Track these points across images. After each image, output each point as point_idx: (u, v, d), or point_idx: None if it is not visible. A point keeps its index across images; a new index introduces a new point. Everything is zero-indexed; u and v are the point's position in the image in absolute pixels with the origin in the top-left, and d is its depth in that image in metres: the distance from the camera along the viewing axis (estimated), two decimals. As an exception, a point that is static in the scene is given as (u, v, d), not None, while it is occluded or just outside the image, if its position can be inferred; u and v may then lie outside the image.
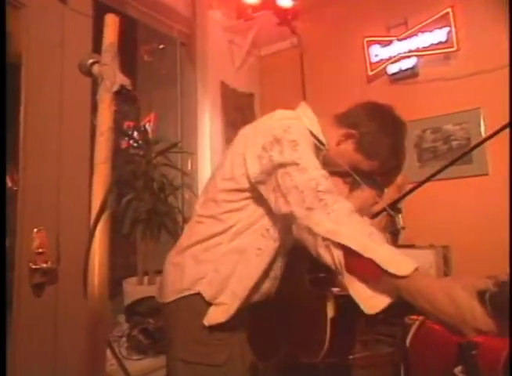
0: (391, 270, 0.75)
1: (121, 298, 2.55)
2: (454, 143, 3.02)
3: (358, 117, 1.23)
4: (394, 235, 1.41)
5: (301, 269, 1.09)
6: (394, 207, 1.46)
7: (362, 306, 0.81)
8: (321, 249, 0.85)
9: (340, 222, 0.84)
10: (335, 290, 1.04)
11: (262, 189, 1.02)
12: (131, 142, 2.78)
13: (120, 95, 0.75)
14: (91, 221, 0.61)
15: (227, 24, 3.56)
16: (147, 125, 3.51)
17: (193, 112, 3.25)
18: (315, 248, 0.86)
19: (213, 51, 3.39)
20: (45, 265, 1.25)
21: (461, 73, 2.98)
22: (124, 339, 2.15)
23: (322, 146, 1.16)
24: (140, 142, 2.76)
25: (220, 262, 1.05)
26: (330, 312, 0.96)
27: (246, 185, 1.05)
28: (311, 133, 1.16)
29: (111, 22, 0.85)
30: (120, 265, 3.09)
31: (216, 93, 3.38)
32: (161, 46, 3.69)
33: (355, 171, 1.17)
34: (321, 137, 1.17)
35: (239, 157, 1.07)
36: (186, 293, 1.05)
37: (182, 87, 3.37)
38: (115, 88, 0.75)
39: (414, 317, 1.58)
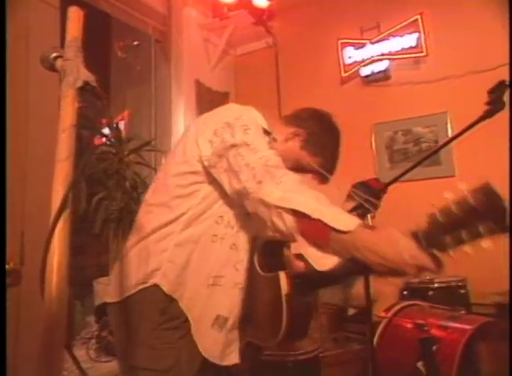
0: (338, 227, 0.81)
1: (92, 298, 2.51)
2: (424, 145, 3.10)
3: (305, 119, 1.31)
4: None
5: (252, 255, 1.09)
6: (362, 207, 1.49)
7: (314, 264, 0.86)
8: (274, 218, 0.88)
9: (288, 190, 0.90)
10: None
11: (214, 172, 1.02)
12: (103, 139, 2.73)
13: (84, 91, 0.74)
14: (50, 221, 0.59)
15: (202, 22, 3.54)
16: (120, 123, 3.46)
17: (167, 110, 3.22)
18: (270, 218, 0.90)
19: (188, 49, 3.36)
20: (7, 266, 1.20)
21: (430, 77, 3.07)
22: (93, 341, 2.11)
23: (269, 138, 1.19)
24: (112, 139, 2.71)
25: (174, 253, 1.03)
26: (284, 288, 0.98)
27: (198, 168, 1.04)
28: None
29: (74, 15, 0.82)
30: (92, 265, 3.03)
31: (191, 91, 3.35)
32: (136, 43, 3.63)
33: (297, 166, 1.23)
34: (269, 130, 1.20)
35: (192, 142, 1.07)
36: (141, 287, 1.01)
37: (157, 84, 3.33)
38: (78, 83, 0.73)
39: (382, 315, 1.62)
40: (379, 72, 3.26)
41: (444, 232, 0.75)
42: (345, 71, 3.39)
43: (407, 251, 0.76)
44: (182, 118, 3.24)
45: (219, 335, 1.05)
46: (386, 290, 2.24)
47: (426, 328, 1.37)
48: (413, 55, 3.14)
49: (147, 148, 2.74)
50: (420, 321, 1.42)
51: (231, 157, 0.98)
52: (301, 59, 3.58)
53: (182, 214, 1.04)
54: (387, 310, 1.69)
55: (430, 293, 2.16)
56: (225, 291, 1.06)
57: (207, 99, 3.48)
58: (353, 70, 3.36)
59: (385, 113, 3.23)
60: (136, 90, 3.49)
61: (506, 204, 0.71)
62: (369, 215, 1.50)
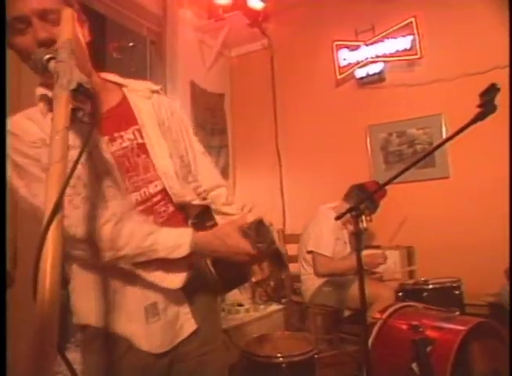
0: (172, 256, 0.91)
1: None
2: (418, 147, 3.12)
3: None
4: (357, 236, 1.44)
5: None
6: (357, 208, 1.50)
7: (162, 284, 0.94)
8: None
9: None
10: None
11: None
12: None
13: (78, 93, 0.73)
14: (44, 223, 0.59)
15: (198, 24, 3.54)
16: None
17: (162, 111, 3.21)
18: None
19: (183, 50, 3.36)
20: (-1, 268, 1.19)
21: (424, 79, 3.09)
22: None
23: None
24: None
25: None
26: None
27: None
28: None
29: (68, 16, 0.82)
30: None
31: (186, 93, 3.34)
32: (131, 44, 3.61)
33: None
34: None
35: None
36: None
37: (152, 86, 3.31)
38: (72, 85, 0.72)
39: (377, 317, 1.63)
40: (374, 74, 3.28)
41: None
42: (340, 73, 3.41)
43: (235, 243, 0.93)
44: (176, 120, 3.23)
45: (160, 322, 0.97)
46: (383, 292, 2.25)
47: (420, 329, 1.37)
48: (408, 57, 3.16)
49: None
50: (415, 322, 1.42)
51: None
52: (296, 61, 3.59)
53: None
54: (381, 312, 1.69)
55: (425, 294, 2.17)
56: None
57: (203, 101, 3.47)
58: (348, 72, 3.37)
59: (380, 115, 3.24)
60: (131, 91, 3.47)
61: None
62: (363, 217, 1.51)
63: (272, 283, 3.36)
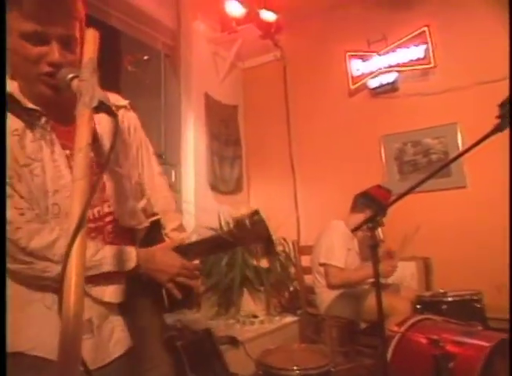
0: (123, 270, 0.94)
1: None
2: (433, 156, 3.09)
3: None
4: (374, 248, 1.43)
5: None
6: (373, 220, 1.49)
7: (107, 299, 0.94)
8: None
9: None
10: None
11: None
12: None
13: (99, 110, 0.75)
14: (69, 237, 0.60)
15: (211, 36, 3.59)
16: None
17: (177, 123, 3.25)
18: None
19: (197, 63, 3.41)
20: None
21: (438, 88, 3.07)
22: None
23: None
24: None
25: None
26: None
27: None
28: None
29: (91, 37, 0.85)
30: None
31: (200, 105, 3.39)
32: (145, 57, 3.68)
33: None
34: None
35: None
36: None
37: (166, 98, 3.37)
38: (94, 103, 0.74)
39: (395, 330, 1.60)
40: (387, 84, 3.27)
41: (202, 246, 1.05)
42: (353, 83, 3.41)
43: (172, 261, 0.98)
44: (191, 131, 3.27)
45: (93, 339, 0.93)
46: (399, 304, 2.21)
47: (441, 344, 1.34)
48: (421, 66, 3.15)
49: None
50: (434, 336, 1.39)
51: None
52: (308, 72, 3.61)
53: None
54: (399, 324, 1.66)
55: (444, 307, 2.10)
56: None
57: (217, 112, 3.51)
58: (361, 82, 3.38)
59: (394, 124, 3.23)
60: (146, 104, 3.53)
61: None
62: (380, 229, 1.50)
63: (286, 294, 3.32)
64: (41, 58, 0.87)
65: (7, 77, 0.94)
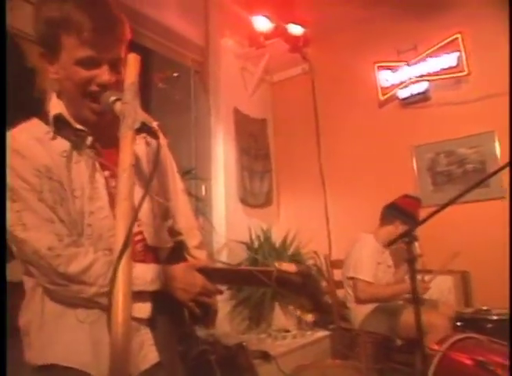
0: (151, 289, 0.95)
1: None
2: (469, 167, 3.00)
3: None
4: (410, 263, 1.39)
5: None
6: (409, 234, 1.45)
7: (137, 315, 0.92)
8: None
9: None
10: None
11: None
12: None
13: (142, 131, 0.78)
14: (115, 257, 0.62)
15: (239, 52, 3.65)
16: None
17: (207, 138, 3.30)
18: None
19: (226, 78, 3.46)
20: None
21: (473, 96, 2.99)
22: None
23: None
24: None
25: None
26: None
27: None
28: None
29: (133, 61, 0.88)
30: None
31: (229, 119, 3.43)
32: (175, 74, 3.78)
33: None
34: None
35: None
36: None
37: (196, 113, 3.43)
38: (136, 125, 0.77)
39: (435, 348, 1.54)
40: (418, 94, 3.22)
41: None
42: (383, 94, 3.38)
43: (194, 280, 0.99)
44: (221, 146, 3.31)
45: None
46: (437, 321, 2.13)
47: (491, 368, 1.26)
48: (454, 74, 3.09)
49: (187, 177, 2.79)
50: (480, 358, 1.32)
51: None
52: (337, 84, 3.59)
53: None
54: (440, 342, 1.59)
55: (489, 325, 1.99)
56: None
57: (246, 126, 3.55)
58: (391, 92, 3.34)
59: (426, 134, 3.17)
60: (176, 119, 3.61)
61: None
62: (416, 243, 1.46)
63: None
64: (91, 80, 0.91)
65: (53, 95, 0.98)
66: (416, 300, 1.34)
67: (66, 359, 0.90)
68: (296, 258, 3.11)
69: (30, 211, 0.88)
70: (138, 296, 0.93)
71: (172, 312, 1.03)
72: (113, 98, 0.86)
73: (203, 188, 3.18)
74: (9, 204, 0.88)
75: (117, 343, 0.57)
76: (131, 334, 0.59)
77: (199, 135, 3.35)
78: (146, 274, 0.95)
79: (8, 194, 0.88)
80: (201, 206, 2.98)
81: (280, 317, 2.95)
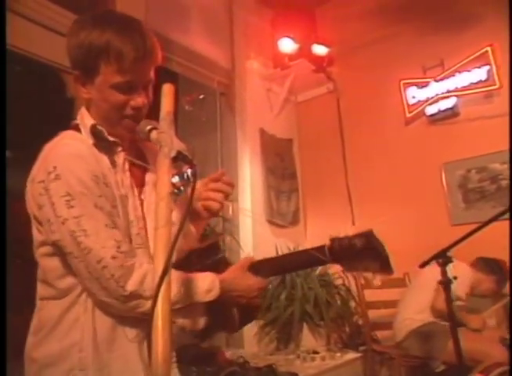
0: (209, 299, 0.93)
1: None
2: (503, 183, 2.91)
3: None
4: (446, 285, 1.35)
5: None
6: (443, 255, 1.42)
7: (191, 327, 0.95)
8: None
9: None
10: None
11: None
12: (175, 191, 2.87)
13: (178, 160, 0.80)
14: (155, 284, 0.63)
15: (264, 73, 3.71)
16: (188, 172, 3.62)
17: (233, 159, 3.34)
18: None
19: (251, 99, 3.52)
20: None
21: (505, 109, 2.92)
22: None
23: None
24: (182, 188, 2.85)
25: None
26: None
27: None
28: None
29: (168, 91, 0.91)
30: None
31: (255, 140, 3.47)
32: (201, 96, 3.86)
33: None
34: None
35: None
36: None
37: (222, 134, 3.49)
38: (172, 153, 0.79)
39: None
40: (446, 110, 3.17)
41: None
42: (409, 111, 3.35)
43: (251, 282, 0.97)
44: (247, 166, 3.35)
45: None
46: (494, 352, 1.99)
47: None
48: (485, 89, 3.03)
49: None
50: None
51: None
52: (362, 102, 3.59)
53: None
54: (483, 372, 1.51)
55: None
56: None
57: (272, 147, 3.58)
58: (418, 109, 3.30)
59: (455, 151, 3.11)
60: (202, 141, 3.68)
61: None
62: (451, 265, 1.42)
63: (347, 329, 3.21)
64: (126, 103, 0.93)
65: (83, 108, 0.99)
66: (454, 325, 1.29)
67: None
68: (324, 278, 3.07)
69: (90, 217, 0.85)
70: (192, 308, 0.92)
71: (221, 319, 1.01)
72: (149, 127, 0.89)
73: (230, 208, 3.20)
74: (65, 211, 0.84)
75: (158, 371, 0.58)
76: (171, 361, 0.59)
77: (225, 155, 3.40)
78: (202, 284, 0.92)
79: (63, 200, 0.85)
80: (228, 226, 3.00)
81: (309, 338, 2.91)
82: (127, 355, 0.90)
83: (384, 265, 0.93)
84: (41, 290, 0.95)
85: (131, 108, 0.93)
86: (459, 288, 2.46)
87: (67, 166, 0.86)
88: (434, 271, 2.43)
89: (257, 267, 0.99)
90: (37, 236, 0.93)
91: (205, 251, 1.09)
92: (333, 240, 0.94)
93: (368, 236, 0.92)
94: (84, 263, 0.85)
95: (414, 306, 2.48)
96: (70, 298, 0.90)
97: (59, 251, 0.89)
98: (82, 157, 0.88)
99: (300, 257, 1.03)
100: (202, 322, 0.96)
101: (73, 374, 0.86)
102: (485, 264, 2.53)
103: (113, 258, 0.84)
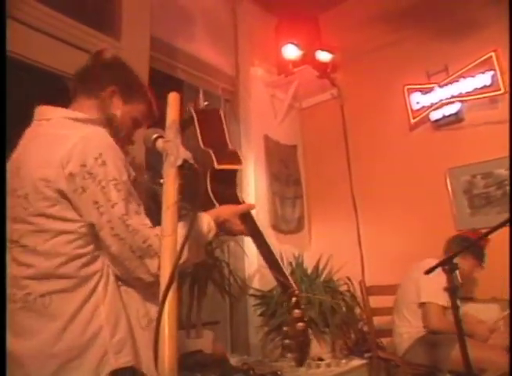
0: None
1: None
2: (509, 188, 2.89)
3: None
4: (452, 293, 1.34)
5: None
6: (450, 262, 1.41)
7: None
8: None
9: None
10: None
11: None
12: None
13: (183, 169, 0.81)
14: (161, 293, 0.64)
15: (268, 80, 3.73)
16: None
17: (238, 165, 3.34)
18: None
19: (256, 106, 3.53)
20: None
21: (510, 115, 2.91)
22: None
23: None
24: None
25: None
26: None
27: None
28: None
29: (173, 100, 0.93)
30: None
31: (260, 146, 3.48)
32: (206, 103, 3.87)
33: None
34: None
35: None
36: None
37: (227, 141, 3.49)
38: (178, 162, 0.80)
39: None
40: (450, 115, 3.16)
41: None
42: (414, 117, 3.34)
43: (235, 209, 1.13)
44: (252, 173, 3.35)
45: None
46: (500, 359, 1.96)
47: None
48: (489, 94, 3.02)
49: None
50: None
51: None
52: (366, 108, 3.59)
53: None
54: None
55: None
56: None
57: (276, 153, 3.58)
58: (422, 115, 3.30)
59: (460, 156, 3.09)
60: (208, 147, 3.67)
61: None
62: (457, 272, 1.41)
63: (352, 335, 3.19)
64: (145, 113, 1.16)
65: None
66: (461, 334, 1.28)
67: (138, 363, 0.93)
68: (329, 285, 3.06)
69: (131, 201, 0.94)
70: None
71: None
72: (154, 135, 0.91)
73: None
74: (114, 194, 0.91)
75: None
76: (176, 370, 0.60)
77: (230, 163, 3.40)
78: (202, 229, 1.02)
79: (111, 184, 0.91)
80: (233, 232, 2.99)
81: (314, 345, 2.88)
82: (143, 339, 0.96)
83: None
84: (43, 286, 0.92)
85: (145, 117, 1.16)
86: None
87: (111, 154, 0.94)
88: (415, 271, 2.45)
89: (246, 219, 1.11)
90: (53, 225, 0.92)
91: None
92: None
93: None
94: (130, 244, 0.90)
95: (408, 318, 2.46)
96: (88, 288, 0.91)
97: (89, 235, 0.93)
98: (117, 148, 0.98)
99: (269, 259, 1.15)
100: None
101: (106, 359, 0.88)
102: (456, 245, 2.48)
103: (156, 236, 0.91)
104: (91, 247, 0.93)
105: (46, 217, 0.91)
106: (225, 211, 1.08)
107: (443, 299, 2.26)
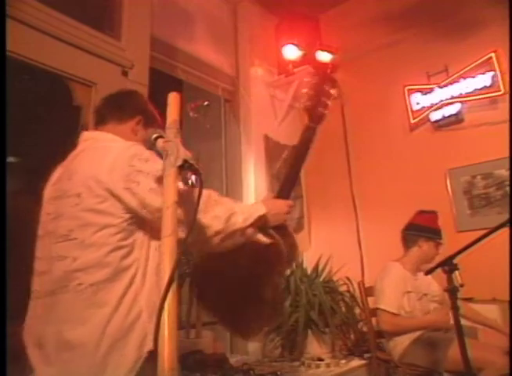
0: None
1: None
2: (509, 189, 2.89)
3: None
4: (452, 293, 1.34)
5: None
6: (450, 263, 1.41)
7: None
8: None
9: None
10: None
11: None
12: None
13: (184, 168, 0.81)
14: (161, 293, 0.64)
15: (269, 80, 3.73)
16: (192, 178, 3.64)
17: (238, 165, 3.35)
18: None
19: (256, 106, 3.53)
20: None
21: (510, 116, 2.91)
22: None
23: None
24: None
25: None
26: None
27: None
28: None
29: (173, 100, 0.93)
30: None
31: (260, 146, 3.48)
32: (206, 103, 3.88)
33: None
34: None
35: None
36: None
37: (227, 141, 3.50)
38: (178, 162, 0.80)
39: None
40: (450, 116, 3.17)
41: None
42: (414, 117, 3.34)
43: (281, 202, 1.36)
44: (252, 173, 3.35)
45: None
46: (495, 358, 1.96)
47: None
48: (489, 95, 3.02)
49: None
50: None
51: None
52: (367, 109, 3.59)
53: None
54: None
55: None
56: None
57: (276, 153, 3.58)
58: (422, 115, 3.30)
59: (460, 157, 3.10)
60: (207, 147, 3.70)
61: None
62: (457, 272, 1.41)
63: (352, 336, 3.19)
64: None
65: None
66: (460, 332, 1.28)
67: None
68: (329, 285, 3.06)
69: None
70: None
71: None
72: (155, 135, 0.91)
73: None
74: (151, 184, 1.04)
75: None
76: (176, 370, 0.60)
77: (230, 162, 3.41)
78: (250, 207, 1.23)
79: (158, 174, 1.01)
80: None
81: (313, 345, 2.89)
82: None
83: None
84: (91, 276, 1.02)
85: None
86: (422, 285, 2.46)
87: (148, 153, 1.08)
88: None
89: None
90: (100, 220, 1.04)
91: None
92: None
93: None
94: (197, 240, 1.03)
95: None
96: (127, 277, 1.04)
97: (128, 230, 1.06)
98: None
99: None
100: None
101: (147, 340, 1.01)
102: (405, 238, 2.52)
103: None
104: (130, 240, 1.06)
105: (95, 212, 1.04)
106: (275, 204, 1.29)
107: (394, 306, 2.32)
